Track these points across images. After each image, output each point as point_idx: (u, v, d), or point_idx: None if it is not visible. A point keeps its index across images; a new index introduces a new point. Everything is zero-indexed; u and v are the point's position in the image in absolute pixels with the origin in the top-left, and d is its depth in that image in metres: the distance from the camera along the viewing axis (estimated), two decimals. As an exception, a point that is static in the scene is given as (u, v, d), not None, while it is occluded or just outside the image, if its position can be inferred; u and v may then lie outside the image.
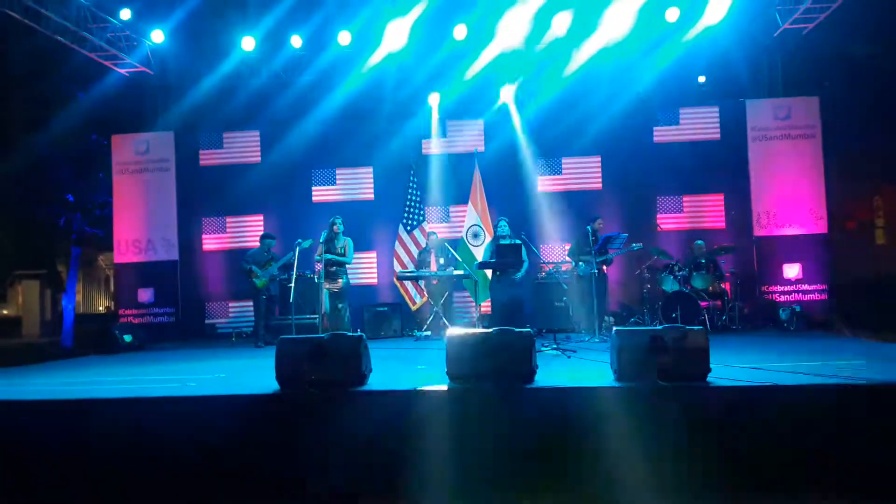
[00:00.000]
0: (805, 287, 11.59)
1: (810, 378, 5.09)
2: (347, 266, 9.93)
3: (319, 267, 9.75)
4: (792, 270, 11.64)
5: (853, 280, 11.79)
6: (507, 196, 12.07)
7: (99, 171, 14.51)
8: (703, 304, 9.98)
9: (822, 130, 11.74)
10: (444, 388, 5.14)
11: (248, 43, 11.87)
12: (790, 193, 11.70)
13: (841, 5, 10.64)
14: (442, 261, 10.79)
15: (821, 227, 11.66)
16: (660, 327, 5.22)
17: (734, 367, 5.71)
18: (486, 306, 11.17)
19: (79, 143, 14.93)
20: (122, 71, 12.46)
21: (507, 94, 12.08)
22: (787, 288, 11.63)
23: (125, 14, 11.44)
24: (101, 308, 25.55)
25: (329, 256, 9.59)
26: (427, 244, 11.10)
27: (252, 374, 6.85)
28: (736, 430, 4.60)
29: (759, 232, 11.80)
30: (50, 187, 16.16)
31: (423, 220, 11.73)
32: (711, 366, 5.03)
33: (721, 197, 12.03)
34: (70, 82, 13.80)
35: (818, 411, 4.58)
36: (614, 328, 5.39)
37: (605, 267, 9.99)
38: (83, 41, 11.45)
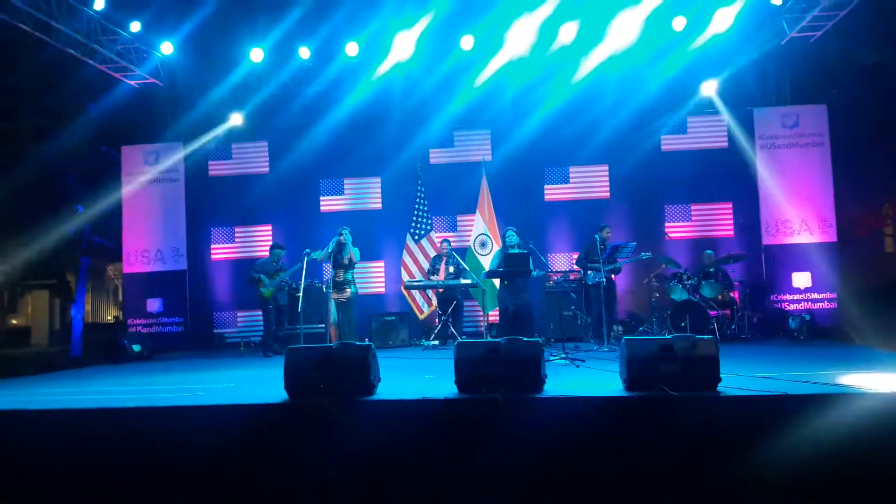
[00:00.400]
0: (814, 296, 11.54)
1: (821, 387, 5.06)
2: (354, 272, 9.94)
3: (327, 270, 9.71)
4: (801, 279, 11.59)
5: (863, 288, 11.71)
6: (515, 205, 12.08)
7: (108, 182, 14.61)
8: (712, 313, 9.95)
9: (831, 138, 11.72)
10: (453, 397, 5.13)
11: (256, 54, 11.97)
12: (799, 202, 11.67)
13: (848, 13, 10.63)
14: (452, 269, 10.80)
15: (830, 235, 11.61)
16: (669, 336, 5.20)
17: (744, 376, 5.68)
18: (493, 315, 11.16)
19: (88, 154, 15.04)
20: (132, 82, 12.55)
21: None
22: (796, 296, 11.59)
23: (135, 26, 11.54)
24: (109, 318, 25.63)
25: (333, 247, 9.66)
26: (440, 251, 11.11)
27: (261, 383, 6.85)
28: (747, 440, 4.57)
29: (767, 240, 11.76)
30: (60, 198, 16.27)
31: (431, 230, 11.75)
32: (721, 375, 5.01)
33: (729, 205, 12.01)
34: (80, 94, 13.92)
35: (830, 420, 4.55)
36: (623, 337, 5.38)
37: (613, 276, 9.97)
38: (93, 53, 11.54)
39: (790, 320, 10.31)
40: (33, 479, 5.00)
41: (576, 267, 10.85)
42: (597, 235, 9.70)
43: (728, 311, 10.40)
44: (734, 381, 5.31)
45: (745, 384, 5.18)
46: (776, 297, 11.65)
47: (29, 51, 12.69)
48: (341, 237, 9.72)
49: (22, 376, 8.50)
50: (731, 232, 11.95)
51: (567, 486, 4.64)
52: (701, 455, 4.56)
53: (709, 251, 10.85)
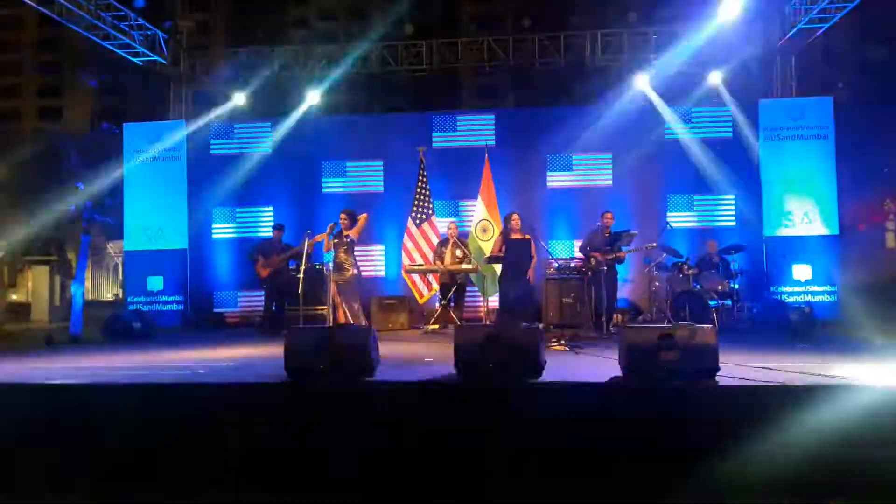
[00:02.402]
0: (815, 288, 11.55)
1: (820, 379, 5.08)
2: (355, 253, 9.87)
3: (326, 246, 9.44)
4: (802, 271, 11.59)
5: (863, 282, 11.72)
6: (517, 191, 12.04)
7: (110, 159, 14.58)
8: (711, 303, 9.95)
9: (835, 131, 11.68)
10: (452, 381, 5.15)
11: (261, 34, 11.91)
12: (801, 194, 11.64)
13: (856, 7, 10.57)
14: (458, 252, 10.79)
15: (832, 228, 11.60)
16: (669, 325, 5.21)
17: (743, 366, 5.69)
18: (494, 301, 11.16)
19: (90, 130, 15.01)
20: (136, 60, 12.49)
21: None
22: (796, 288, 11.59)
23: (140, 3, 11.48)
24: (109, 295, 25.72)
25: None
26: (448, 234, 11.07)
27: (261, 363, 6.87)
28: (744, 429, 4.59)
29: (769, 232, 11.75)
30: (61, 174, 16.24)
31: (433, 214, 11.72)
32: (720, 364, 5.02)
33: (732, 196, 11.97)
34: (83, 70, 13.86)
35: (826, 412, 4.57)
36: (623, 325, 5.39)
37: (615, 264, 9.97)
38: (97, 30, 11.49)
39: (790, 312, 10.30)
40: (32, 454, 5.02)
41: (578, 254, 10.85)
42: (599, 223, 9.69)
43: (728, 302, 10.41)
44: (733, 370, 5.33)
45: (744, 374, 5.20)
46: (776, 288, 11.66)
47: (32, 26, 12.63)
48: (336, 224, 9.47)
49: (22, 351, 8.52)
50: (734, 222, 11.93)
51: (563, 471, 4.67)
52: (698, 444, 4.58)
53: (711, 240, 10.84)
